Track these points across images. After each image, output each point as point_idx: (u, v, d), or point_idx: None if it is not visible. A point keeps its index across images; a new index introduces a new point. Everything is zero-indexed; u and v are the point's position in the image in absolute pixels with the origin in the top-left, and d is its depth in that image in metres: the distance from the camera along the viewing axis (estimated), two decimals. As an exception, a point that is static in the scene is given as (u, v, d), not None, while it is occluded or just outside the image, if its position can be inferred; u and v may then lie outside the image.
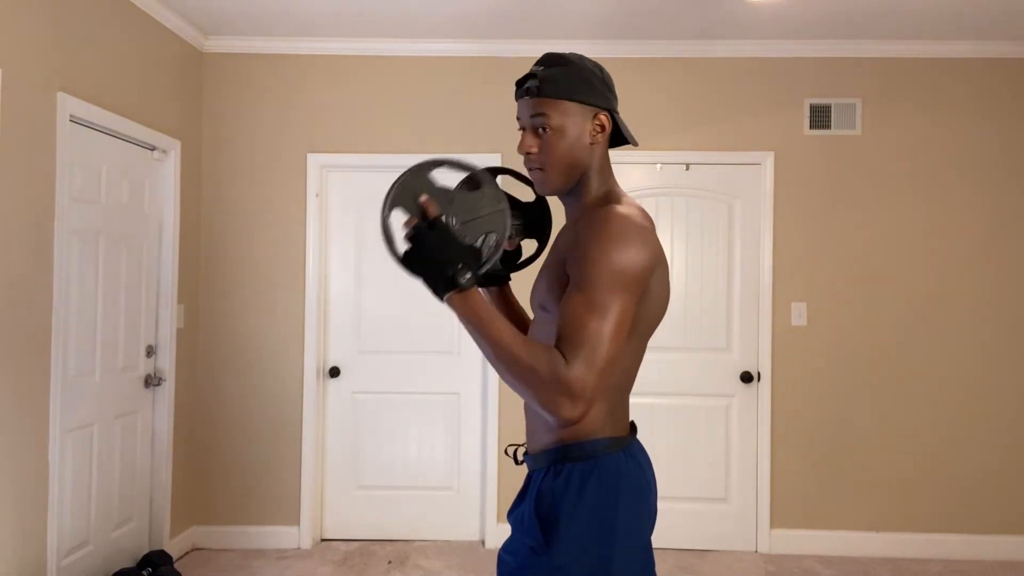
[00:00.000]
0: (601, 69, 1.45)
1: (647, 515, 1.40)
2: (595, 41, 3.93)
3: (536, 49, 3.87)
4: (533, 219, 1.60)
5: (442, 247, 1.27)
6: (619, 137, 1.47)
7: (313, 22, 3.77)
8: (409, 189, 1.31)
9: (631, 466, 1.37)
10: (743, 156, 4.00)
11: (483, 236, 1.32)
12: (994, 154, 3.95)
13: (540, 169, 1.44)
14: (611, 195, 1.43)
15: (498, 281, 1.66)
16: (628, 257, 1.27)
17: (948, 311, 3.95)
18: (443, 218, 1.28)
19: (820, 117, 3.98)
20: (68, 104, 2.94)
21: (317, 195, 4.01)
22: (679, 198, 4.03)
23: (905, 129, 3.97)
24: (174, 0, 3.55)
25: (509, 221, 1.34)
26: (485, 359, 4.01)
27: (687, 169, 4.02)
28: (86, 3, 3.09)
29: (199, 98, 4.01)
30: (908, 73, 3.97)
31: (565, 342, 1.23)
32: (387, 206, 1.31)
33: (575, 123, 1.40)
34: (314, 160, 4.01)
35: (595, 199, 1.43)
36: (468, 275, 1.26)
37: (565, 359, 1.21)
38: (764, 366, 3.96)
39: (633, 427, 1.46)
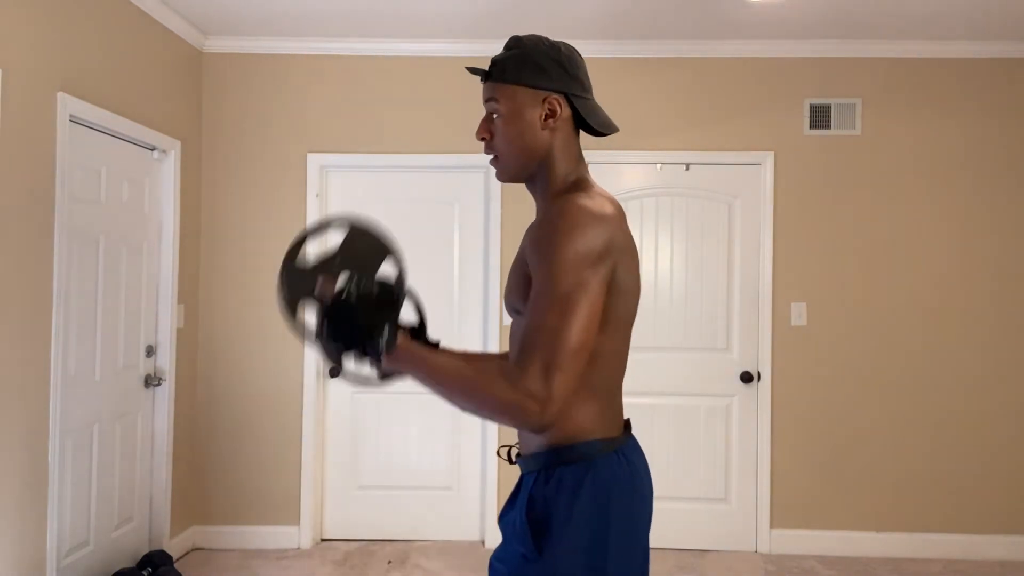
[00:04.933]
0: (558, 50, 1.37)
1: (642, 518, 1.36)
2: (595, 41, 3.93)
3: (536, 49, 3.88)
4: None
5: (350, 318, 1.23)
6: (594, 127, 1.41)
7: (313, 22, 3.77)
8: (294, 285, 1.28)
9: (625, 468, 1.32)
10: (743, 156, 4.00)
11: (378, 271, 1.29)
12: (994, 154, 3.95)
13: (495, 156, 1.40)
14: (577, 184, 1.37)
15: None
16: (581, 245, 1.22)
17: (948, 311, 3.95)
18: (336, 292, 1.24)
19: (820, 117, 3.98)
20: (68, 104, 2.94)
21: (317, 195, 4.01)
22: (679, 198, 4.03)
23: (905, 129, 3.97)
24: (174, 0, 3.55)
25: (387, 239, 1.31)
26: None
27: (687, 169, 4.02)
28: (86, 3, 3.09)
29: (199, 98, 4.01)
30: (908, 73, 3.97)
31: (523, 347, 1.19)
32: (287, 307, 1.28)
33: (524, 108, 1.35)
34: (314, 160, 4.01)
35: (560, 189, 1.37)
36: (385, 333, 1.22)
37: (522, 366, 1.17)
38: (764, 366, 3.96)
39: (627, 426, 1.42)
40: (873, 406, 3.95)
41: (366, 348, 1.24)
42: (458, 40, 3.95)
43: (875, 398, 3.95)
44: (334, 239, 1.34)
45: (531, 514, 1.29)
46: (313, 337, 1.26)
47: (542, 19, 3.67)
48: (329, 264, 1.29)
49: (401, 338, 1.26)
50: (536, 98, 1.35)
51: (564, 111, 1.37)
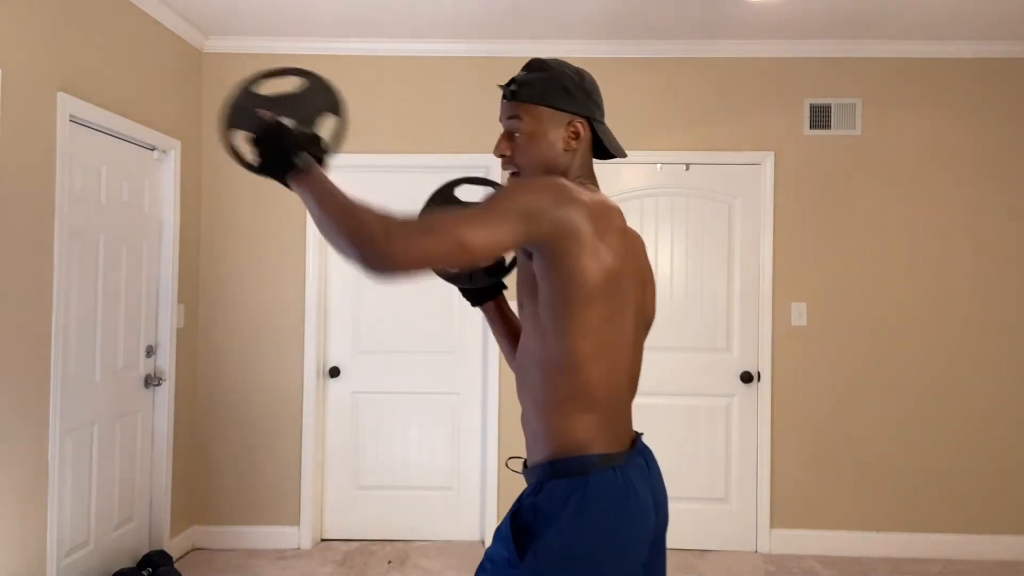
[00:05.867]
0: (582, 76, 1.43)
1: (637, 538, 1.31)
2: (595, 41, 3.93)
3: (536, 49, 3.89)
4: None
5: (278, 140, 1.29)
6: (606, 149, 1.45)
7: (313, 22, 3.77)
8: (241, 108, 1.36)
9: (620, 487, 1.29)
10: (743, 156, 4.00)
11: (319, 119, 1.38)
12: (994, 154, 3.95)
13: (515, 173, 1.44)
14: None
15: (490, 294, 1.64)
16: (534, 193, 1.25)
17: (948, 311, 3.95)
18: (275, 121, 1.32)
19: (820, 117, 3.98)
20: (68, 104, 2.94)
21: (317, 195, 4.00)
22: (679, 198, 4.03)
23: (905, 129, 3.97)
24: (174, 0, 3.55)
25: (331, 87, 1.41)
26: (483, 357, 4.03)
27: (687, 169, 4.02)
28: (86, 3, 3.09)
29: (199, 98, 4.01)
30: (908, 73, 3.97)
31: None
32: (225, 128, 1.36)
33: (549, 128, 1.39)
34: (314, 160, 4.01)
35: None
36: (303, 155, 1.29)
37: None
38: (764, 366, 3.96)
39: (635, 442, 1.40)
40: (873, 406, 3.95)
41: (286, 161, 1.30)
42: (459, 41, 3.95)
43: (875, 398, 3.95)
44: (294, 84, 1.42)
45: (516, 520, 1.31)
46: (241, 160, 1.35)
47: (543, 19, 3.67)
48: (280, 101, 1.38)
49: (315, 171, 1.31)
50: (561, 121, 1.40)
51: (586, 134, 1.42)
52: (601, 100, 1.46)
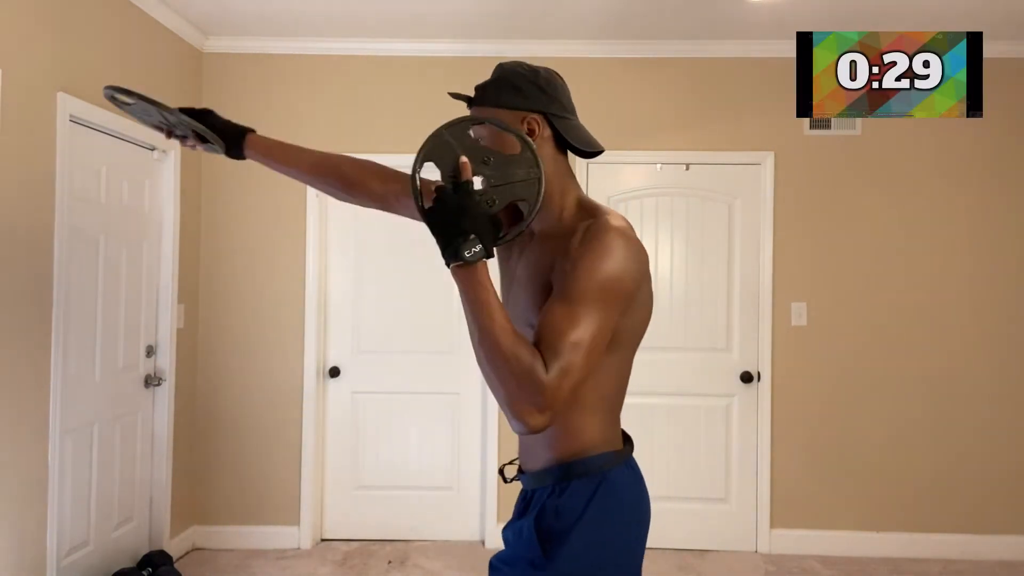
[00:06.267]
0: (536, 73, 1.42)
1: (645, 524, 1.41)
2: (595, 41, 3.93)
3: (536, 49, 3.89)
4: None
5: (461, 214, 1.19)
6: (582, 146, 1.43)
7: (313, 22, 3.77)
8: (446, 143, 1.25)
9: (632, 479, 1.38)
10: (743, 156, 4.00)
11: (509, 203, 1.25)
12: (994, 154, 3.95)
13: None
14: (590, 205, 1.39)
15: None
16: (618, 272, 1.25)
17: (948, 311, 3.95)
18: (471, 183, 1.21)
19: (820, 117, 3.97)
20: (68, 104, 2.94)
21: (317, 195, 4.01)
22: (679, 198, 4.03)
23: (905, 129, 3.97)
24: (174, 0, 3.55)
25: (542, 191, 1.25)
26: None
27: (687, 169, 4.02)
28: (86, 3, 3.09)
29: (199, 98, 4.01)
30: (908, 73, 3.96)
31: (543, 349, 1.19)
32: (419, 159, 1.25)
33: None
34: (314, 160, 4.00)
35: (568, 211, 1.39)
36: (477, 248, 1.18)
37: (545, 358, 1.18)
38: (764, 366, 3.96)
39: (627, 439, 1.45)
40: (873, 406, 3.95)
41: (456, 241, 1.19)
42: (459, 40, 3.95)
43: (875, 398, 3.95)
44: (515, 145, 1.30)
45: (540, 523, 1.32)
46: (417, 198, 1.24)
47: (542, 19, 3.67)
48: (485, 154, 1.25)
49: (480, 265, 1.21)
50: (515, 119, 1.39)
51: (543, 130, 1.41)
52: (564, 96, 1.43)
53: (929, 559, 3.87)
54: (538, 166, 1.26)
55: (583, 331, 1.21)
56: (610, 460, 1.34)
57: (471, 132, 1.29)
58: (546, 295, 1.30)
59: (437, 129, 1.27)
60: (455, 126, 1.27)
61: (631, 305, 1.30)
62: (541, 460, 1.37)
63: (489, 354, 1.19)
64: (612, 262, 1.25)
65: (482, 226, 1.20)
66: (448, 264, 1.21)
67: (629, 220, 1.38)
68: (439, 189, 1.22)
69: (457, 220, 1.19)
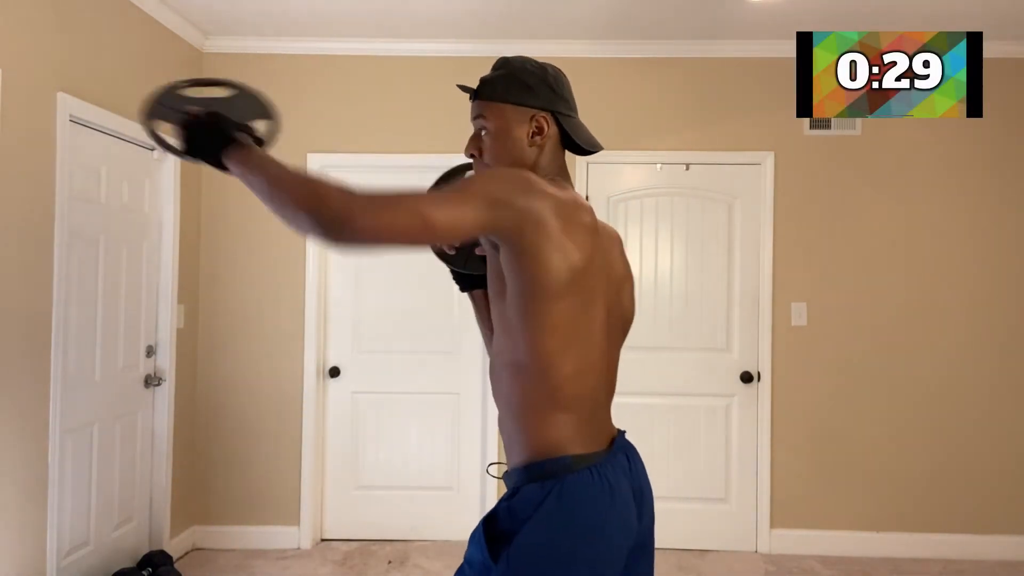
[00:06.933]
0: (545, 71, 1.43)
1: (609, 540, 1.29)
2: (595, 41, 3.93)
3: (535, 49, 3.86)
4: None
5: (218, 125, 1.31)
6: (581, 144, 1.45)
7: (313, 22, 3.77)
8: (167, 105, 1.39)
9: (597, 486, 1.28)
10: (743, 156, 4.00)
11: (250, 123, 1.40)
12: (994, 154, 3.95)
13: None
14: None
15: (482, 282, 1.61)
16: (502, 180, 1.26)
17: (948, 311, 3.95)
18: (213, 110, 1.35)
19: (820, 117, 3.97)
20: (68, 104, 2.94)
21: (317, 195, 4.00)
22: (679, 198, 4.03)
23: (905, 129, 3.97)
24: (174, 0, 3.55)
25: (267, 102, 1.44)
26: (483, 357, 4.03)
27: (687, 169, 4.02)
28: (86, 3, 3.09)
29: (199, 98, 4.01)
30: (908, 73, 3.97)
31: None
32: (148, 118, 1.39)
33: (513, 125, 1.39)
34: (314, 160, 4.01)
35: None
36: (242, 134, 1.31)
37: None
38: (764, 366, 3.96)
39: (614, 440, 1.38)
40: (873, 406, 3.95)
41: (218, 138, 1.31)
42: (458, 40, 3.95)
43: (875, 398, 3.95)
44: (222, 92, 1.45)
45: (489, 524, 1.30)
46: (153, 113, 1.40)
47: (542, 19, 3.67)
48: (210, 103, 1.39)
49: (251, 147, 1.32)
50: (524, 116, 1.40)
51: (551, 129, 1.42)
52: (569, 94, 1.45)
53: (929, 559, 3.87)
54: (257, 94, 1.46)
55: (433, 194, 1.21)
56: (568, 465, 1.28)
57: (182, 92, 1.42)
58: (502, 275, 1.31)
59: (153, 95, 1.41)
60: (169, 91, 1.42)
61: (560, 248, 1.25)
62: (514, 459, 1.36)
63: (281, 186, 1.19)
64: (497, 173, 1.31)
65: (239, 126, 1.34)
66: (223, 162, 1.30)
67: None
68: (187, 121, 1.33)
69: (214, 130, 1.31)
